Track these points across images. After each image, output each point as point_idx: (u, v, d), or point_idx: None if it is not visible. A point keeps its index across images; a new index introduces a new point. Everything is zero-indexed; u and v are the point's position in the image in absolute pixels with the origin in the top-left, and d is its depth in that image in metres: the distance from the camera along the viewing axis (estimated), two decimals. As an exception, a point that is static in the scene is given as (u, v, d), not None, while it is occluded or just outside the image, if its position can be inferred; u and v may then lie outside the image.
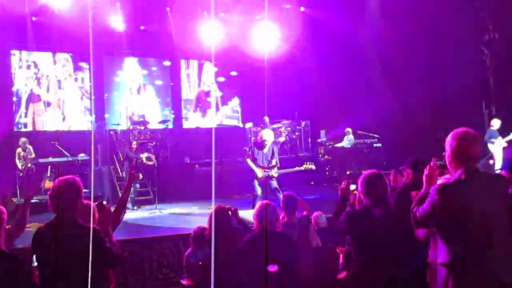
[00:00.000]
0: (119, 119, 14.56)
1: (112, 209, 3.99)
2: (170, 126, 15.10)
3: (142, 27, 14.77)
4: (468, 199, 3.00)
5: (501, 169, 4.87)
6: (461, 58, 13.63)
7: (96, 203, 3.52)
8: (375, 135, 14.68)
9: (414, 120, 14.49)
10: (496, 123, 12.74)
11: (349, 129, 14.56)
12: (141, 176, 10.34)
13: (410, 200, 3.40)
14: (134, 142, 11.29)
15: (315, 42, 15.43)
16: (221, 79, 16.74)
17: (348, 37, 15.12)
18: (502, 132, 12.63)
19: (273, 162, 8.67)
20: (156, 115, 15.47)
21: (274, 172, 8.64)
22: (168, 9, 14.40)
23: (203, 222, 5.19)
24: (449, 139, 3.17)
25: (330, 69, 15.37)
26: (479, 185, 3.08)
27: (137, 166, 10.84)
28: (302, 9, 15.44)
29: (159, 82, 15.89)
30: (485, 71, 14.44)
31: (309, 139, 15.54)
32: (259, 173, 8.60)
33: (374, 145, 14.64)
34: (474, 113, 13.76)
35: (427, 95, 14.55)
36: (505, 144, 12.48)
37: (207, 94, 16.73)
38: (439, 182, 3.20)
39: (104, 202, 3.70)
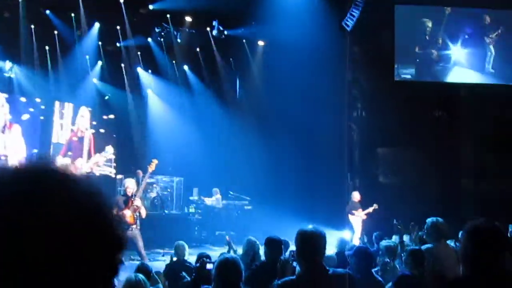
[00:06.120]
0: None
1: None
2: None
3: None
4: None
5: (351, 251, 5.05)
6: (333, 128, 14.29)
7: None
8: (247, 198, 14.80)
9: (284, 182, 14.70)
10: (356, 196, 13.30)
11: (216, 189, 14.41)
12: None
13: None
14: None
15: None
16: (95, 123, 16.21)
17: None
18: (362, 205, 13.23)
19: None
20: (20, 157, 14.38)
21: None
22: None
23: None
24: None
25: (206, 125, 15.68)
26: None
27: None
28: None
29: (26, 117, 14.76)
30: (352, 145, 15.39)
31: (181, 196, 15.25)
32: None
33: (245, 207, 14.75)
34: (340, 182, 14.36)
35: (298, 162, 15.01)
36: (365, 217, 13.09)
37: (80, 139, 15.96)
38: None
39: None
